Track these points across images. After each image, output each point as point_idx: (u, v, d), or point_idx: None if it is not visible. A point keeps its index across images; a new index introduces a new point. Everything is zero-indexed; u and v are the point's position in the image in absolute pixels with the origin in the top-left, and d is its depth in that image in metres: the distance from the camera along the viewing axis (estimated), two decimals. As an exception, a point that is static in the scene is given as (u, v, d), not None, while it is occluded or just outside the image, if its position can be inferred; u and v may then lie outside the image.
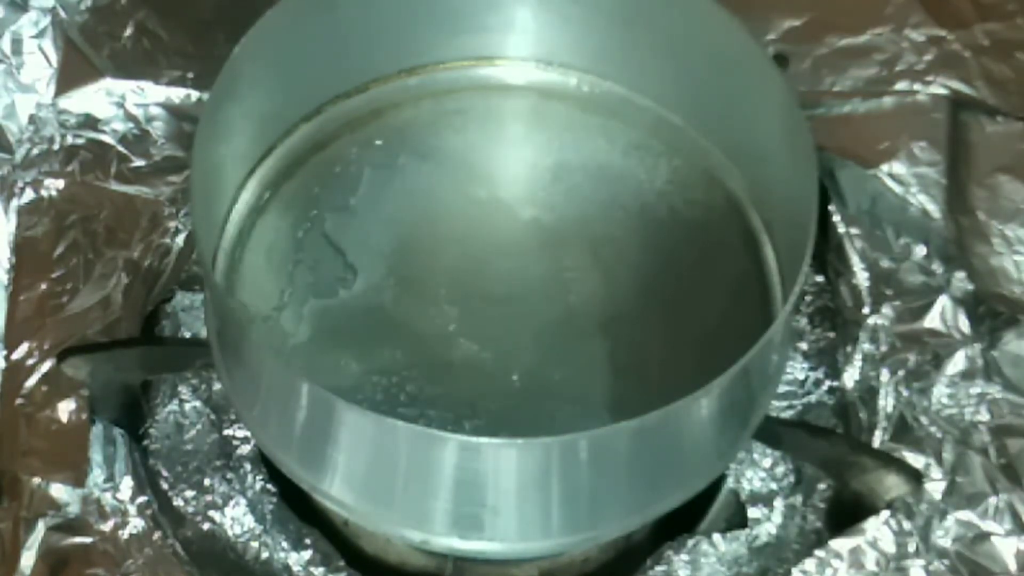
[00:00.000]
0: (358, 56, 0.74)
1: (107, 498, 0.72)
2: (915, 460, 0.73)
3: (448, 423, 0.57)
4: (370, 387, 0.66)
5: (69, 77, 0.83)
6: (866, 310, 0.77)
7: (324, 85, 0.74)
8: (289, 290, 0.69)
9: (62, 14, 0.84)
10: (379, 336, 0.68)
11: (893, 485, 0.71)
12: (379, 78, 0.76)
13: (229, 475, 0.74)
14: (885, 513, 0.71)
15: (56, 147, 0.81)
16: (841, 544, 0.70)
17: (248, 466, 0.74)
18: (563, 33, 0.75)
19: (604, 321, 0.69)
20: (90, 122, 0.82)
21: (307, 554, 0.72)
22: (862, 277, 0.78)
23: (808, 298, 0.81)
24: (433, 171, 0.74)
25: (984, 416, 0.74)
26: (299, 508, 0.73)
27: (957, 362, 0.76)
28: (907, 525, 0.71)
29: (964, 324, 0.77)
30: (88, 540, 0.71)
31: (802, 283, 0.59)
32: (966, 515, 0.71)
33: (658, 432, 0.58)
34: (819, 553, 0.70)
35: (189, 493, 0.74)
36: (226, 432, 0.75)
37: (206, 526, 0.74)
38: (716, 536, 0.72)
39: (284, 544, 0.72)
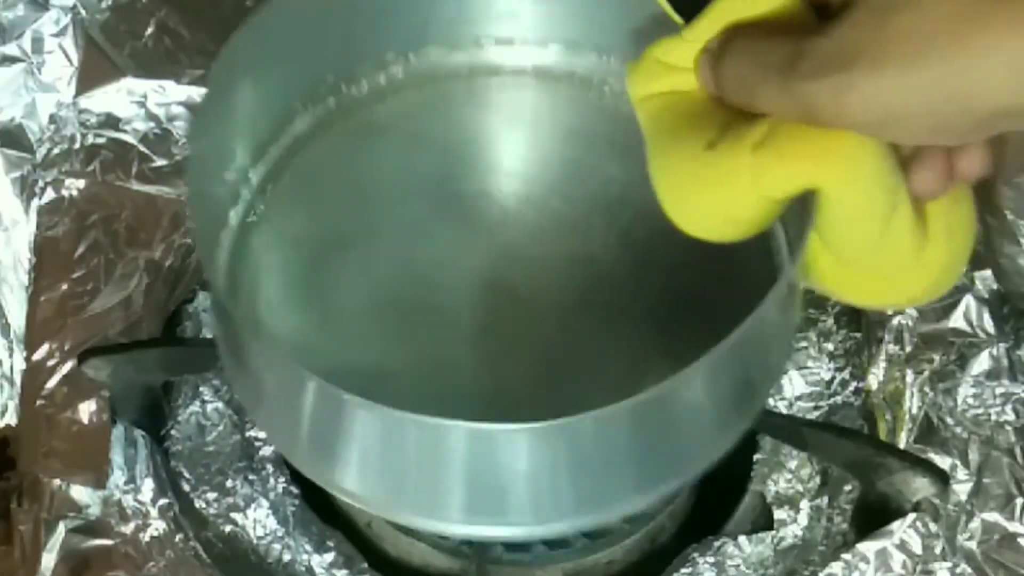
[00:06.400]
0: (360, 41, 0.73)
1: (128, 500, 0.72)
2: (941, 461, 0.73)
3: (460, 412, 0.57)
4: (380, 380, 0.65)
5: (90, 76, 0.83)
6: (890, 310, 0.77)
7: (325, 71, 0.74)
8: (295, 283, 0.68)
9: (83, 13, 0.84)
10: (387, 327, 0.67)
11: (920, 486, 0.71)
12: (382, 62, 0.75)
13: (251, 476, 0.74)
14: (912, 515, 0.71)
15: (77, 146, 0.81)
16: (868, 546, 0.70)
17: (270, 467, 0.74)
18: (571, 15, 0.74)
19: (616, 304, 0.68)
20: (111, 121, 0.82)
21: (330, 556, 0.72)
22: (886, 277, 0.78)
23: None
24: (440, 158, 0.73)
25: (1010, 416, 0.74)
26: (322, 510, 0.73)
27: (982, 362, 0.76)
28: (933, 527, 0.71)
29: (989, 323, 0.77)
30: (109, 542, 0.71)
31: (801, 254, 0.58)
32: (992, 516, 0.71)
33: (655, 410, 0.57)
34: (845, 556, 0.70)
35: (211, 495, 0.74)
36: (248, 433, 0.75)
37: (228, 528, 0.73)
38: (742, 538, 0.72)
39: (307, 546, 0.72)
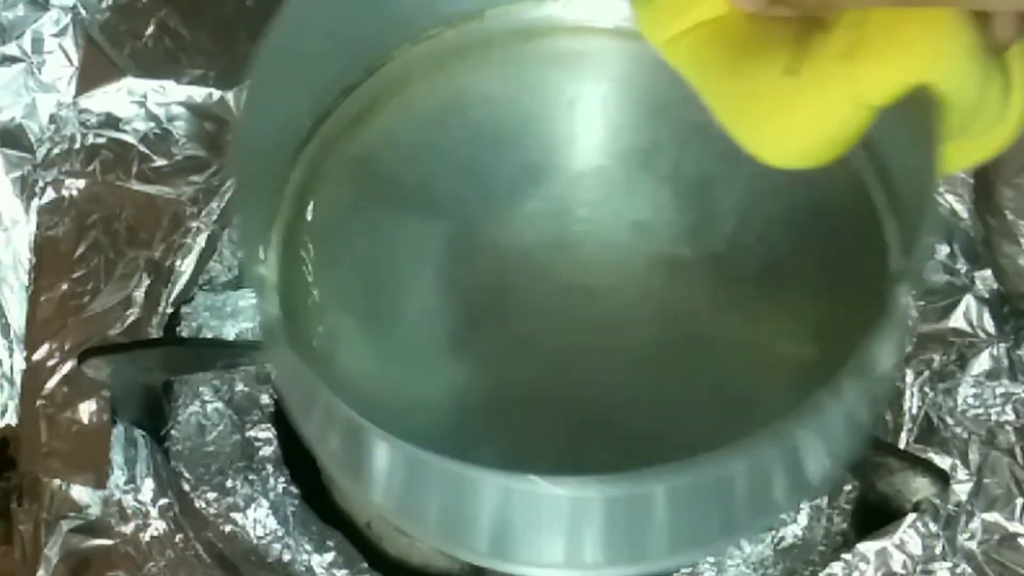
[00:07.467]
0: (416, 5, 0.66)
1: (128, 500, 0.72)
2: (941, 461, 0.73)
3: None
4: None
5: (90, 76, 0.83)
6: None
7: (379, 39, 0.67)
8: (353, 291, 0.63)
9: (83, 12, 0.84)
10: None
11: (920, 486, 0.71)
12: (454, 18, 0.68)
13: (251, 476, 0.74)
14: (912, 515, 0.71)
15: (77, 146, 0.81)
16: (868, 546, 0.70)
17: (270, 468, 0.74)
18: None
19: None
20: (111, 121, 0.82)
21: (330, 556, 0.71)
22: (886, 277, 0.78)
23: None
24: (511, 127, 0.66)
25: (1010, 416, 0.74)
26: (322, 510, 0.73)
27: (982, 362, 0.75)
28: (933, 527, 0.71)
29: (989, 323, 0.77)
30: (109, 542, 0.71)
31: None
32: (992, 516, 0.71)
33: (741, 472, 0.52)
34: (845, 556, 0.70)
35: (211, 495, 0.74)
36: (248, 433, 0.75)
37: (228, 528, 0.73)
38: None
39: (307, 546, 0.72)
